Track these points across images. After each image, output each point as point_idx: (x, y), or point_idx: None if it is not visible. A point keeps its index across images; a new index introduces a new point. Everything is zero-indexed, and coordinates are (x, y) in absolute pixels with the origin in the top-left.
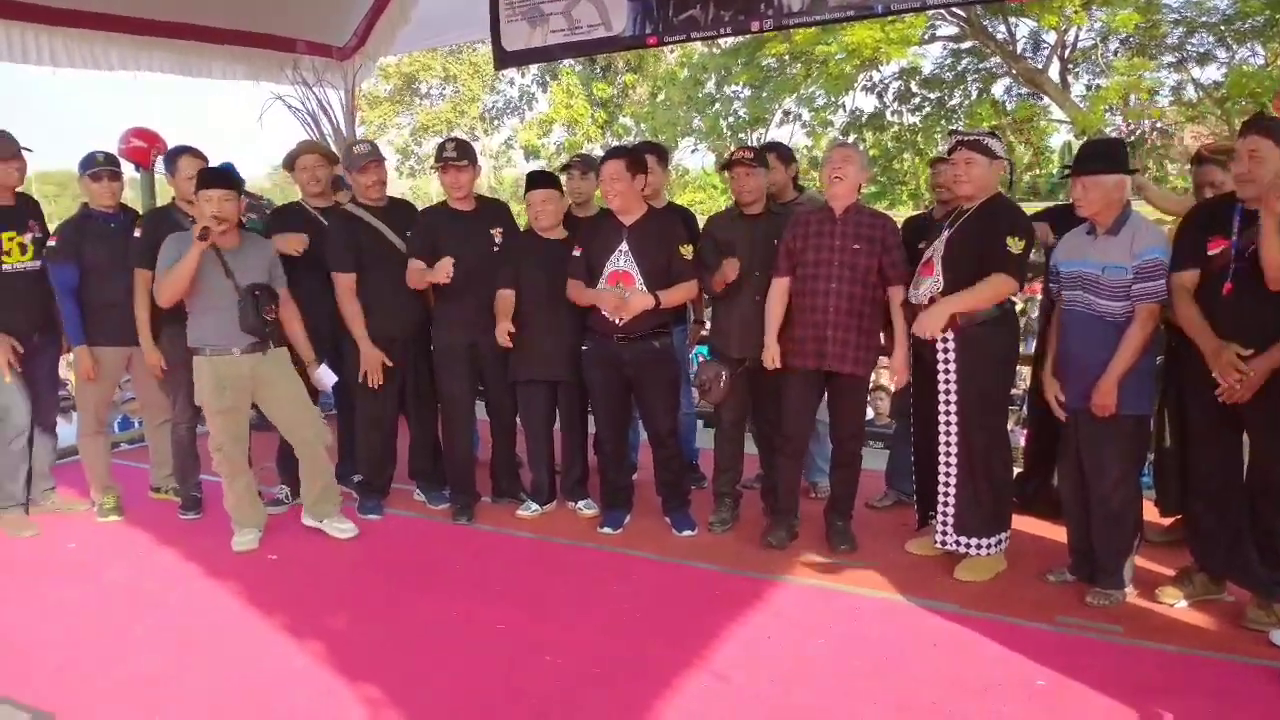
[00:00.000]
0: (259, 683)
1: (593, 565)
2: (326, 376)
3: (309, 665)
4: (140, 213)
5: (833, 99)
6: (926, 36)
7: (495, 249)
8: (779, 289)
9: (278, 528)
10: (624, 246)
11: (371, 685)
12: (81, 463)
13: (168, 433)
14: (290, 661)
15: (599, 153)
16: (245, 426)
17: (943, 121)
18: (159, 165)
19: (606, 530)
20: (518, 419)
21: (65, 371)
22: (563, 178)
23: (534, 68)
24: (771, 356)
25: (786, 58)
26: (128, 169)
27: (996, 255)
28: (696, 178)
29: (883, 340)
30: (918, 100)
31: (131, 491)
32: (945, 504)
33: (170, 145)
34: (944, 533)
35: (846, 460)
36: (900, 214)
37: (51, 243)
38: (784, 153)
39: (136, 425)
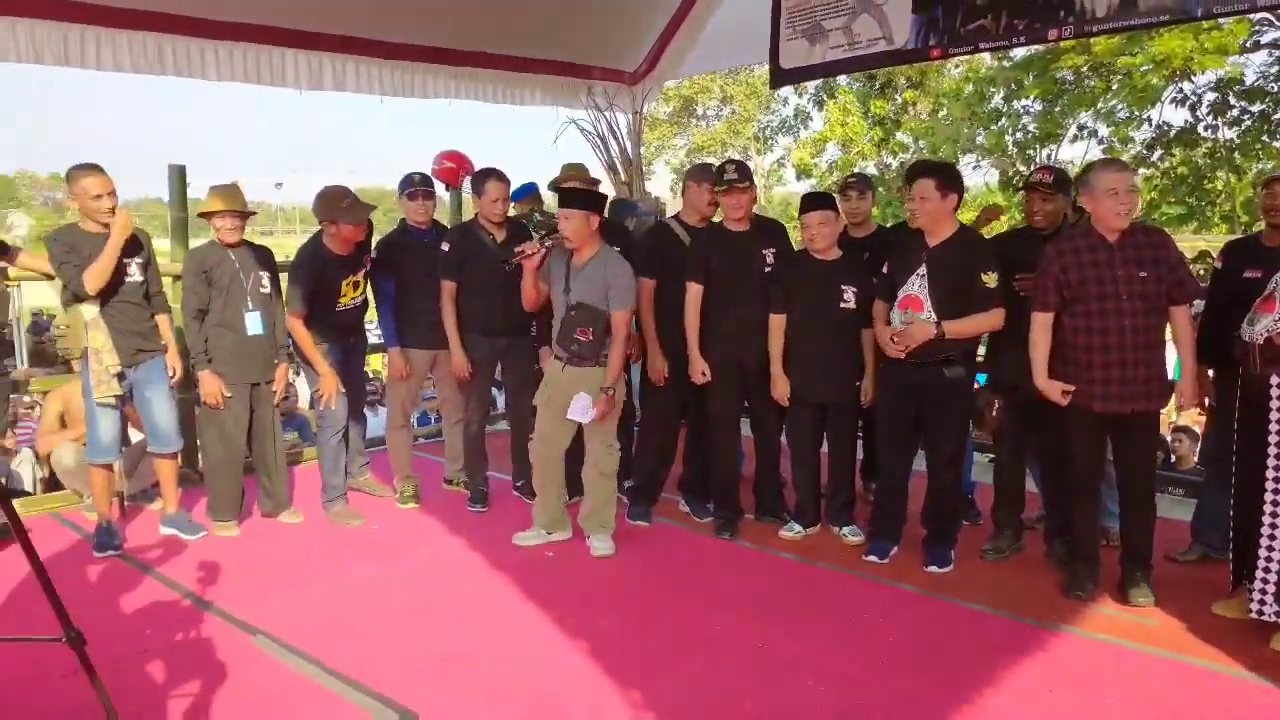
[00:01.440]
0: (535, 672)
1: (857, 593)
2: (578, 408)
3: (579, 662)
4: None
5: (1136, 113)
6: (1249, 44)
7: (767, 269)
8: (1043, 325)
9: None
10: (921, 270)
11: (636, 690)
12: (388, 452)
13: (462, 430)
14: (562, 656)
15: (873, 171)
16: (559, 429)
17: (1264, 137)
18: (466, 185)
19: (872, 559)
20: (783, 438)
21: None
22: (838, 198)
23: (811, 87)
24: (1060, 390)
25: (1084, 69)
26: (438, 188)
27: None
28: (977, 196)
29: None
30: (1236, 113)
31: (428, 482)
32: (1268, 568)
33: (477, 167)
34: (1262, 600)
35: (1141, 502)
36: (1214, 239)
37: (373, 256)
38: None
39: (433, 421)
